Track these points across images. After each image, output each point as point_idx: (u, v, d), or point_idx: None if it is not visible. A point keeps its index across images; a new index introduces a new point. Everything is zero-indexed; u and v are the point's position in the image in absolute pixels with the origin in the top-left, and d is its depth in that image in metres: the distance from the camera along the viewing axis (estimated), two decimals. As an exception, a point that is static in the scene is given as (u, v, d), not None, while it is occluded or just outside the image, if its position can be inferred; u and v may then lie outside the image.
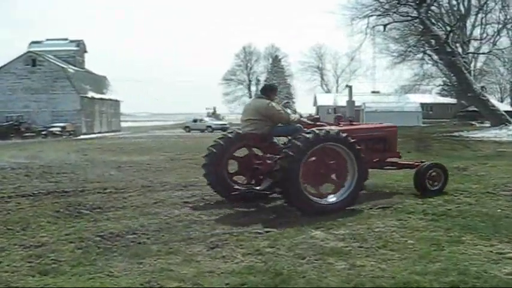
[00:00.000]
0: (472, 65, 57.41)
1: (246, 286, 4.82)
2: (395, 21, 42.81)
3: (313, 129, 8.27)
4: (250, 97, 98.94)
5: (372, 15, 41.29)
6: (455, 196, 9.29)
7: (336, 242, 6.27)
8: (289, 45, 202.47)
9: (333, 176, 8.55)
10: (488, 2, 54.39)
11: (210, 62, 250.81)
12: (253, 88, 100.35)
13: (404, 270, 5.14)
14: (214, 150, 9.54)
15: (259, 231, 6.90)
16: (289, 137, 8.30)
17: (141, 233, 6.85)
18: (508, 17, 59.36)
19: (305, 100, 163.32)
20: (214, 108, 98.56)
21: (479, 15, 57.52)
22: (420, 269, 5.16)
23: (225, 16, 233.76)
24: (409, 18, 41.44)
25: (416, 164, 10.14)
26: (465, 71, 40.95)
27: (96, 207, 8.77)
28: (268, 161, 8.92)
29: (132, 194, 10.28)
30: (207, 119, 71.18)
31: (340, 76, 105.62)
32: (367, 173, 8.50)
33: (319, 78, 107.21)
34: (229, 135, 9.71)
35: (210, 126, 62.47)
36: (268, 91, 9.33)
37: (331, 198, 8.24)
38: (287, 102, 10.14)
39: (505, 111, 43.89)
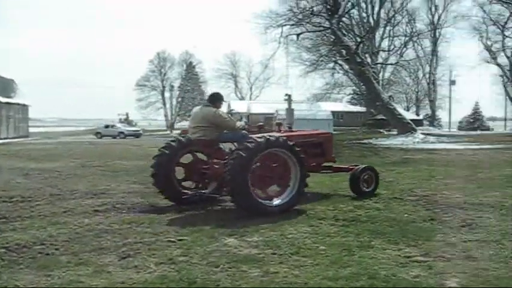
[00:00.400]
0: (381, 75, 59.81)
1: (159, 296, 4.74)
2: (308, 31, 43.76)
3: (261, 135, 8.86)
4: (164, 103, 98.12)
5: (285, 25, 42.04)
6: (365, 202, 9.56)
7: (250, 249, 6.29)
8: (204, 52, 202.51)
9: (278, 180, 8.99)
10: (395, 16, 56.95)
11: (122, 67, 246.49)
12: (167, 94, 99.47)
13: (317, 276, 5.22)
14: (167, 151, 9.74)
15: (171, 239, 6.81)
16: (235, 143, 8.95)
17: (49, 244, 6.59)
18: (414, 30, 62.37)
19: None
20: (127, 114, 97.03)
21: (388, 28, 60.27)
22: (332, 274, 5.26)
23: (140, 21, 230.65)
24: (322, 28, 42.47)
25: (351, 167, 10.89)
26: (374, 81, 42.39)
27: (1, 217, 8.35)
28: (216, 166, 9.39)
29: (40, 202, 9.87)
30: (119, 125, 69.87)
31: (254, 84, 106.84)
32: (307, 176, 9.03)
33: (233, 86, 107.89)
34: (181, 138, 9.99)
35: (122, 133, 61.40)
36: (214, 100, 9.66)
37: (277, 201, 8.75)
38: (231, 110, 10.30)
39: (411, 120, 45.79)
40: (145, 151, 26.78)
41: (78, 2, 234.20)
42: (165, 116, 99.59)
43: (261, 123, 11.21)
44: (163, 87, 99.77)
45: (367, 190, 10.37)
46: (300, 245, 6.47)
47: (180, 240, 6.78)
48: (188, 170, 10.00)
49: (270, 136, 8.75)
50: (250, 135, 8.98)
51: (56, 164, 18.84)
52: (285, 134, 9.70)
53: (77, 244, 6.61)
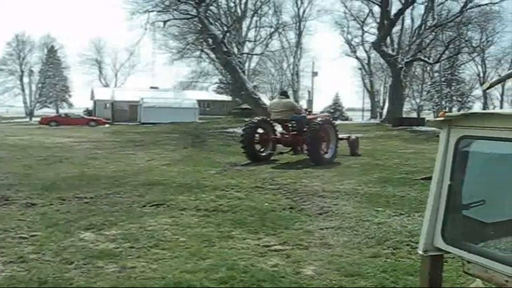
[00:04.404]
0: (246, 64, 60.51)
1: (4, 299, 4.42)
2: (175, 18, 43.25)
3: (314, 116, 16.08)
4: (23, 89, 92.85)
5: (152, 11, 41.16)
6: (227, 191, 9.62)
7: (107, 244, 6.06)
8: (67, 37, 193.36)
9: (327, 142, 14.86)
10: (262, 7, 57.99)
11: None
12: (25, 79, 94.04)
13: (176, 269, 5.13)
14: (250, 127, 15.20)
15: (23, 235, 6.40)
16: (296, 121, 15.14)
17: None
18: (280, 21, 63.96)
19: (82, 94, 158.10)
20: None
21: (254, 18, 61.07)
22: (191, 266, 5.20)
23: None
24: (189, 16, 42.11)
25: (347, 137, 17.06)
26: (239, 70, 42.83)
27: None
28: (286, 136, 15.48)
29: None
30: (-28, 112, 65.36)
31: (119, 70, 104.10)
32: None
33: (98, 72, 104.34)
34: (254, 120, 15.71)
35: (-25, 120, 57.53)
36: (286, 93, 17.16)
37: (327, 155, 14.69)
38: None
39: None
40: (0, 140, 25.18)
41: None
42: (24, 102, 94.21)
43: (310, 110, 18.69)
44: (22, 71, 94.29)
45: (358, 153, 16.60)
46: (160, 237, 6.35)
47: (32, 236, 6.40)
48: (262, 140, 15.34)
49: (324, 117, 15.96)
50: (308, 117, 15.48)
51: None
52: (323, 116, 16.99)
53: None
